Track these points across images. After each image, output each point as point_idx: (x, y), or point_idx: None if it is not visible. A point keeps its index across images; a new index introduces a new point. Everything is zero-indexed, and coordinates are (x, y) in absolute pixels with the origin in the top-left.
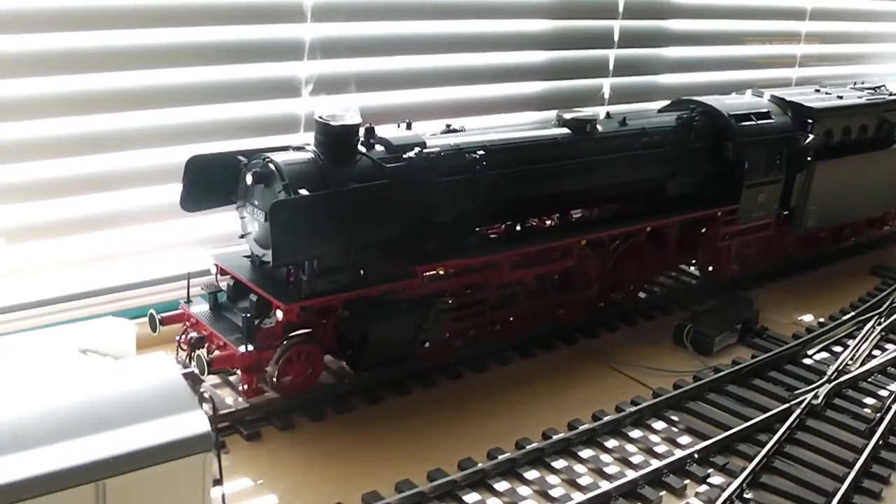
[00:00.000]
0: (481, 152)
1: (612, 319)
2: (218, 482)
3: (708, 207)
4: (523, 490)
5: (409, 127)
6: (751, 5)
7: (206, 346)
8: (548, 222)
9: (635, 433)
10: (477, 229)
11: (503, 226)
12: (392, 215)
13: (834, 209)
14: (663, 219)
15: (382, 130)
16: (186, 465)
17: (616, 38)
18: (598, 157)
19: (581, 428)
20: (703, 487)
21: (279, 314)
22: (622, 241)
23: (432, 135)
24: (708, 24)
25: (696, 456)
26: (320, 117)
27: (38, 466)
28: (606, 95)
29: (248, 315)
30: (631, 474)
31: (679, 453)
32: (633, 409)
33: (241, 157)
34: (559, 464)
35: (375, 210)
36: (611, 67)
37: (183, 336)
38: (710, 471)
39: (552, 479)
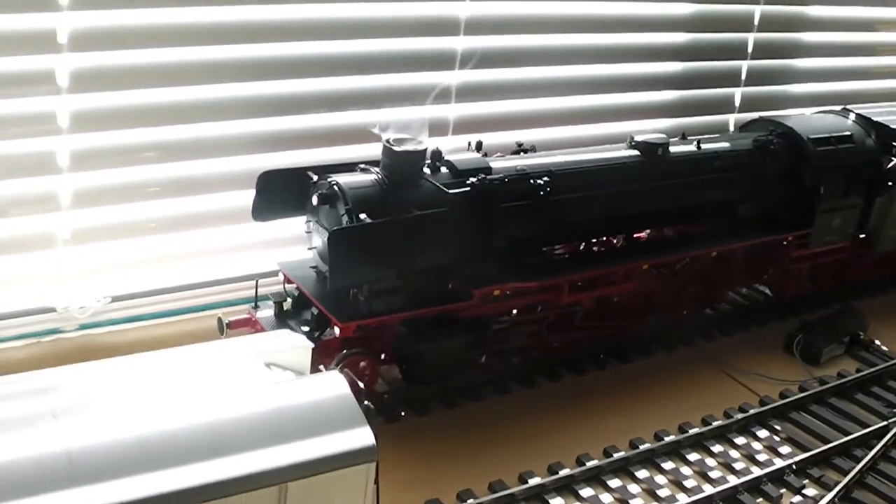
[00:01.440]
0: (546, 178)
1: (729, 324)
2: (376, 482)
3: (779, 231)
4: (633, 488)
5: (479, 147)
6: (885, 17)
7: None
8: (613, 240)
9: (740, 440)
10: (543, 249)
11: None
12: (452, 242)
13: None
14: (731, 243)
15: (452, 151)
16: (355, 473)
17: (750, 49)
18: (666, 182)
19: (691, 431)
20: (798, 498)
21: (336, 330)
22: (688, 263)
23: (498, 156)
24: (841, 36)
25: (794, 467)
26: (388, 141)
27: (233, 469)
28: (737, 104)
29: (308, 329)
30: (732, 480)
31: (779, 463)
32: (740, 415)
33: (310, 174)
34: (668, 465)
35: (435, 237)
36: (742, 77)
37: None
38: (806, 482)
39: (660, 479)
